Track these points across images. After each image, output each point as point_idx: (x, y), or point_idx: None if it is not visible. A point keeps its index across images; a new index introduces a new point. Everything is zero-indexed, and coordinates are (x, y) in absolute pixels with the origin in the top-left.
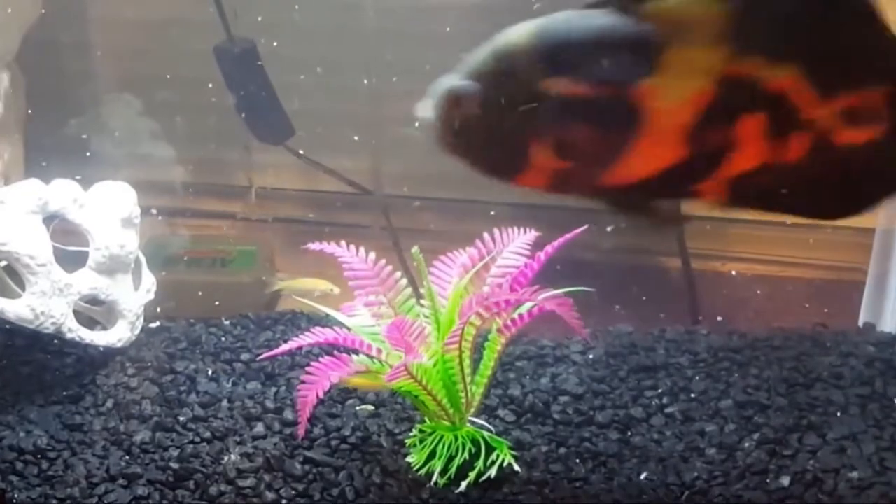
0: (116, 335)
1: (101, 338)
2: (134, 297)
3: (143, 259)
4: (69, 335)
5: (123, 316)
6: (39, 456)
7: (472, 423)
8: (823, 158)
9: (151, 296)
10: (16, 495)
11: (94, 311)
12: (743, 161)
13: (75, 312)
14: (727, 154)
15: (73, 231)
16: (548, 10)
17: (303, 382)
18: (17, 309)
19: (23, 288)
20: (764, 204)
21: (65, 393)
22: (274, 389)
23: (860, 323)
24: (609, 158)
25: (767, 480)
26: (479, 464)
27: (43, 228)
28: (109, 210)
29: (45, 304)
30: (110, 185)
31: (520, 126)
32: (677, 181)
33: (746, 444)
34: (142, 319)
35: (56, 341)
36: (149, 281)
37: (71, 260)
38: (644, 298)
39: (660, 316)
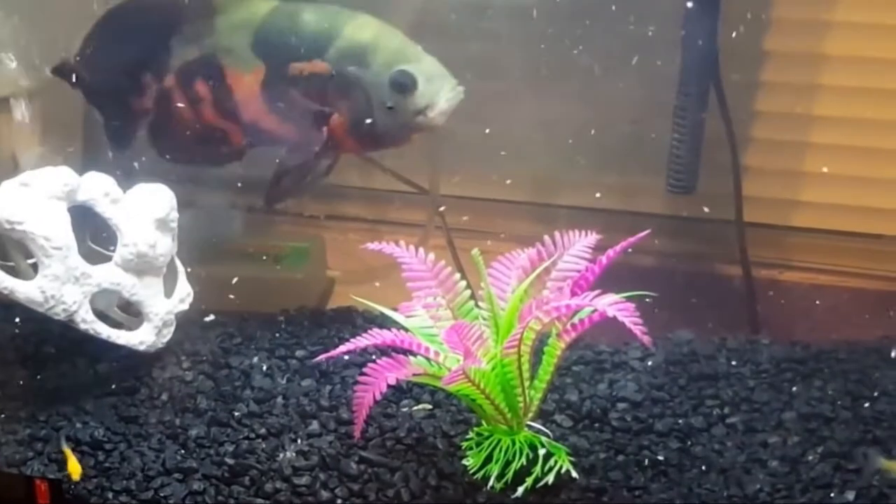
0: (138, 337)
1: (120, 336)
2: (163, 302)
3: (180, 267)
4: (83, 326)
5: (149, 319)
6: (96, 447)
7: (530, 427)
8: None
9: (185, 306)
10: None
11: (125, 318)
12: None
13: (106, 317)
14: None
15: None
16: None
17: (359, 383)
18: (28, 290)
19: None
20: None
21: (120, 385)
22: (329, 387)
23: None
24: None
25: (832, 495)
26: (537, 469)
27: (66, 215)
28: (144, 209)
29: (58, 288)
30: (150, 187)
31: None
32: None
33: (810, 457)
34: (172, 329)
35: None
36: (184, 291)
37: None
38: (703, 306)
39: (719, 325)
